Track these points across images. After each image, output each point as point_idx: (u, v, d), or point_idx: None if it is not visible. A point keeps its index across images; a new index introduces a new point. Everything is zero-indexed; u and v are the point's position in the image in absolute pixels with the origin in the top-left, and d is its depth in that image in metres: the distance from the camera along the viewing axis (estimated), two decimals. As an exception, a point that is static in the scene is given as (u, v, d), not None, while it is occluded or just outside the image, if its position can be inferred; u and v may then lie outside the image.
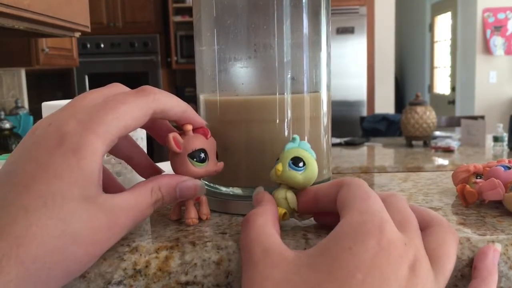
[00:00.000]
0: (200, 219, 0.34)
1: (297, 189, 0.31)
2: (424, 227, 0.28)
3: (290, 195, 0.31)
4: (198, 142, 0.31)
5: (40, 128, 0.27)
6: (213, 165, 0.32)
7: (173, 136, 0.31)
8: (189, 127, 0.32)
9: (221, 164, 0.33)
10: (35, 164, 0.25)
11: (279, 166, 0.30)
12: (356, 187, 0.27)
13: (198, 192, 0.31)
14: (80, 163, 0.25)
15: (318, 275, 0.23)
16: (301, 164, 0.30)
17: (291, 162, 0.30)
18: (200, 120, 0.32)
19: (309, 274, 0.24)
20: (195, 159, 0.31)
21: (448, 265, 0.26)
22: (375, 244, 0.24)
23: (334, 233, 0.25)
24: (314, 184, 0.31)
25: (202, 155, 0.31)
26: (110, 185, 0.33)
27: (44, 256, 0.24)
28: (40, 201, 0.24)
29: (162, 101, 0.29)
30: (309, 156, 0.31)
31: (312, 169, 0.31)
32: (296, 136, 0.32)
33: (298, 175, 0.30)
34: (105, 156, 0.41)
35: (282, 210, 0.30)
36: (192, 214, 0.33)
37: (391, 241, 0.24)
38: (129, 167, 0.43)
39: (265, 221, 0.28)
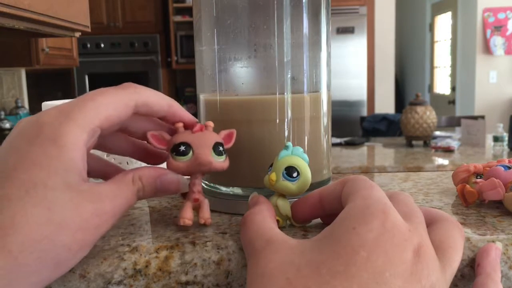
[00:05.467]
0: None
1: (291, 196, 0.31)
2: (430, 222, 0.28)
3: (281, 203, 0.31)
4: (179, 136, 0.31)
5: (23, 121, 0.27)
6: (202, 158, 0.30)
7: (151, 133, 0.31)
8: (180, 124, 0.31)
9: (219, 164, 0.31)
10: (15, 155, 0.25)
11: (273, 176, 0.30)
12: (360, 180, 0.28)
13: (180, 187, 0.31)
14: (60, 151, 0.25)
15: (322, 255, 0.23)
16: (295, 174, 0.30)
17: (285, 172, 0.30)
18: (189, 116, 0.32)
19: (312, 255, 0.23)
20: (174, 153, 0.31)
21: (455, 257, 0.26)
22: (379, 225, 0.24)
23: (338, 218, 0.25)
24: (313, 185, 0.31)
25: (182, 148, 0.30)
26: (113, 173, 0.33)
27: (31, 244, 0.23)
28: (22, 190, 0.24)
29: (143, 93, 0.30)
30: (303, 163, 0.31)
31: (306, 177, 0.30)
32: (289, 143, 0.31)
33: (291, 186, 0.30)
34: (105, 156, 0.41)
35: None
36: (186, 214, 0.31)
37: (395, 224, 0.24)
38: (130, 166, 0.43)
39: (264, 217, 0.28)
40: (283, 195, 0.31)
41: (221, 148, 0.31)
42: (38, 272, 0.24)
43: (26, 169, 0.25)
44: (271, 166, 0.31)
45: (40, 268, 0.24)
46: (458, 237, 0.27)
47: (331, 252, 0.23)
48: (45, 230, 0.24)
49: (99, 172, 0.33)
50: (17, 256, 0.23)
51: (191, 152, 0.30)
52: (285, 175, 0.30)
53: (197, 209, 0.32)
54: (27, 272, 0.24)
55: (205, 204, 0.32)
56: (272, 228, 0.27)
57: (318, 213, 0.31)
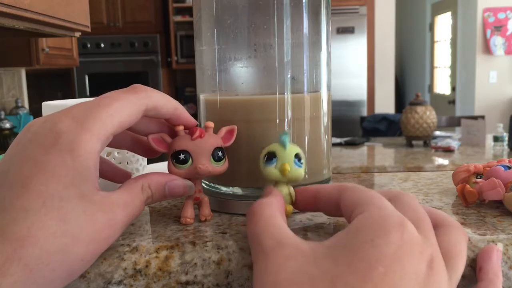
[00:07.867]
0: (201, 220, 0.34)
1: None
2: (435, 226, 0.27)
3: (293, 190, 0.32)
4: (179, 143, 0.31)
5: (35, 125, 0.27)
6: (201, 168, 0.31)
7: (152, 137, 0.31)
8: (180, 128, 0.32)
9: (218, 169, 0.32)
10: (31, 163, 0.25)
11: (287, 166, 0.30)
12: (361, 189, 0.27)
13: (187, 191, 0.31)
14: (76, 162, 0.25)
15: (337, 267, 0.23)
16: (302, 160, 0.31)
17: (296, 160, 0.31)
18: (192, 119, 0.32)
19: (327, 266, 0.23)
20: (174, 160, 0.31)
21: (461, 264, 0.26)
22: (398, 238, 0.23)
23: (354, 226, 0.24)
24: (313, 184, 0.31)
25: (182, 156, 0.31)
26: (116, 175, 0.34)
27: (47, 257, 0.24)
28: (39, 202, 0.24)
29: (153, 97, 0.30)
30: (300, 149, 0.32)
31: (305, 162, 0.31)
32: (286, 131, 0.32)
33: (302, 171, 0.31)
34: (105, 156, 0.41)
35: (289, 207, 0.31)
36: (188, 213, 0.33)
37: (413, 236, 0.24)
38: (130, 166, 0.43)
39: (272, 212, 0.27)
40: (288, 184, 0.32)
41: (220, 154, 0.32)
42: (51, 284, 0.24)
43: (43, 180, 0.25)
44: (270, 158, 0.31)
45: (53, 279, 0.24)
46: (463, 244, 0.27)
47: (347, 264, 0.22)
48: (60, 243, 0.24)
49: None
50: (32, 269, 0.23)
51: (190, 160, 0.31)
52: (297, 162, 0.31)
53: (198, 207, 0.34)
54: (41, 284, 0.24)
55: (205, 202, 0.34)
56: (282, 227, 0.26)
57: (310, 208, 0.31)
